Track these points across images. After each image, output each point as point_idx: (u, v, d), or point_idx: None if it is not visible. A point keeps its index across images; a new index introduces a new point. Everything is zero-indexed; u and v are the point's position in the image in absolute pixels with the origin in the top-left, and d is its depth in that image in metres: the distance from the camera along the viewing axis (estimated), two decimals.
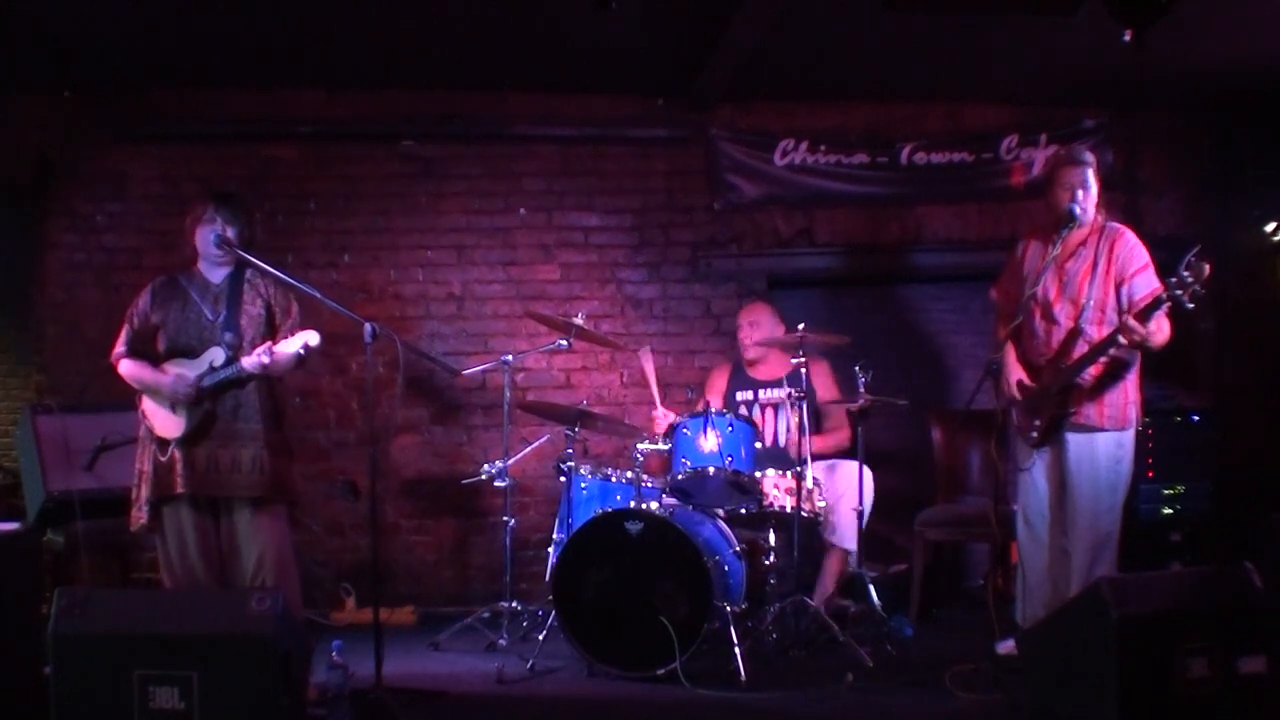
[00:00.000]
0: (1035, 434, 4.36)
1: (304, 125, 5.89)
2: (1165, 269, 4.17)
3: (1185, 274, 3.76)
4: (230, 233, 4.09)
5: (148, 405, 4.09)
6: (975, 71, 5.71)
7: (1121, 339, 4.04)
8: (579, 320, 5.12)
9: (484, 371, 5.64)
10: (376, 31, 5.09)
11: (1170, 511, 5.52)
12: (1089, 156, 4.37)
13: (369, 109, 5.97)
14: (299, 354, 4.02)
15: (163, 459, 4.01)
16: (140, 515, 4.06)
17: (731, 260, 6.15)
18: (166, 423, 4.04)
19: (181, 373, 4.02)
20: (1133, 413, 4.31)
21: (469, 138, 6.04)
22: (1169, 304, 3.87)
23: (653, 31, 5.12)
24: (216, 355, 4.04)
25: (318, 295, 4.15)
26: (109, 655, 3.23)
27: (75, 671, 3.23)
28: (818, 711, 4.02)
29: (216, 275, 4.17)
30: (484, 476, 5.19)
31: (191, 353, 4.06)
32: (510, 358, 5.21)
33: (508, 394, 5.22)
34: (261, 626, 3.27)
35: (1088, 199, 4.29)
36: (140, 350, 4.13)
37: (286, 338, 4.03)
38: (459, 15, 4.89)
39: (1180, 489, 5.53)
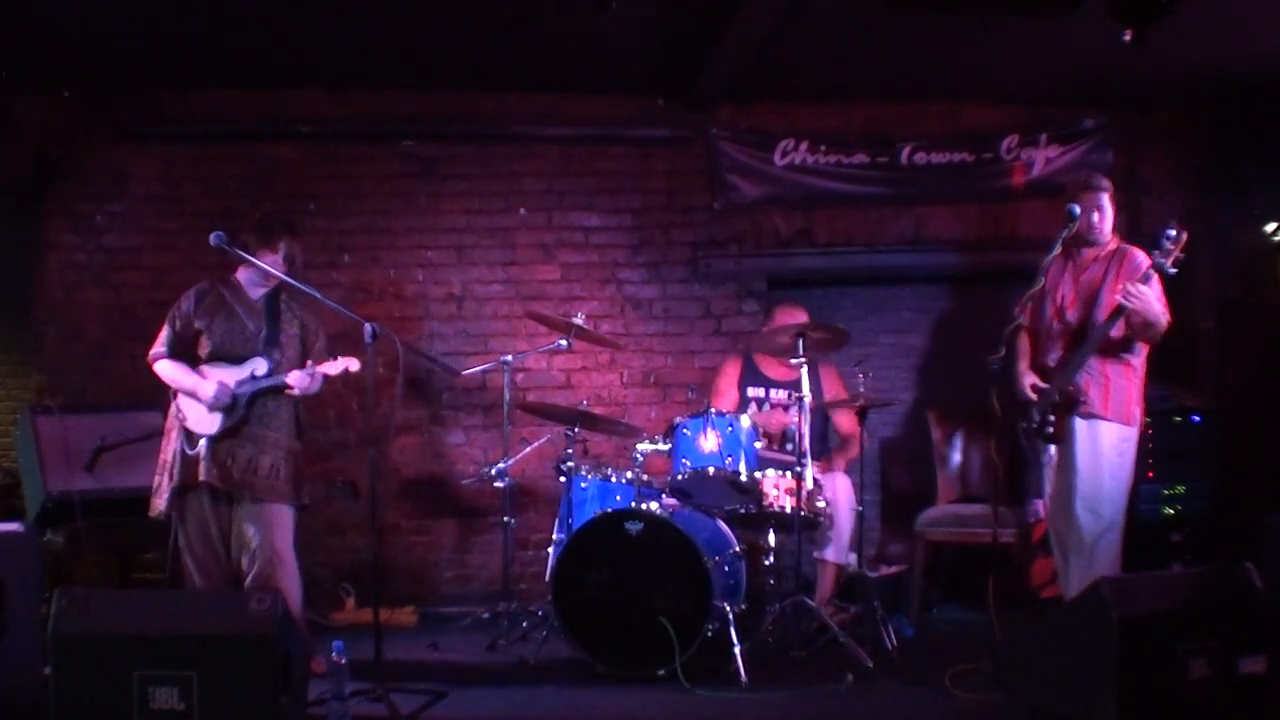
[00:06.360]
0: (1051, 429, 4.52)
1: (304, 125, 5.89)
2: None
3: (1167, 243, 4.29)
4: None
5: (184, 400, 4.32)
6: (975, 71, 5.70)
7: (1122, 300, 4.26)
8: (579, 320, 5.12)
9: (484, 371, 5.64)
10: (377, 31, 5.09)
11: (1170, 511, 5.52)
12: (1103, 181, 4.65)
13: (369, 109, 5.96)
14: (330, 376, 4.36)
15: (190, 451, 4.25)
16: (159, 502, 4.29)
17: (731, 260, 6.15)
18: (201, 420, 4.27)
19: (223, 380, 4.26)
20: (1136, 412, 4.50)
21: (469, 138, 6.03)
22: (1157, 273, 4.32)
23: (653, 31, 5.12)
24: (259, 365, 4.32)
25: (317, 295, 4.20)
26: (109, 655, 3.24)
27: (75, 671, 3.24)
28: (818, 711, 4.02)
29: (255, 293, 4.40)
30: (484, 477, 5.19)
31: (236, 360, 4.32)
32: (510, 358, 5.21)
33: (508, 394, 5.21)
34: (261, 626, 3.27)
35: (1103, 221, 4.60)
36: (180, 352, 4.34)
37: (325, 361, 4.37)
38: (460, 15, 4.89)
39: (1180, 489, 5.53)
